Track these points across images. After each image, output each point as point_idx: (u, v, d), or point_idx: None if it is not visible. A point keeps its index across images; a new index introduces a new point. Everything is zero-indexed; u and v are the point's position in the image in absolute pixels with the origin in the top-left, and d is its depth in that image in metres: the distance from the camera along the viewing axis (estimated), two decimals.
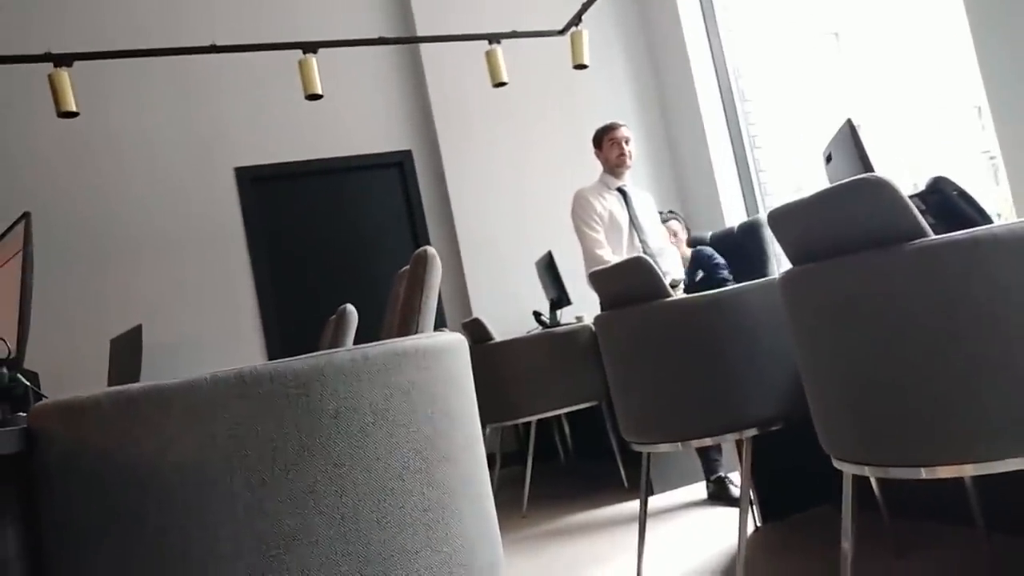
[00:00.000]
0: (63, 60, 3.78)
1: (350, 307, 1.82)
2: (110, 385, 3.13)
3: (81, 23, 4.73)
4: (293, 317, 4.95)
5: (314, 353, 1.10)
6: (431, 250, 1.33)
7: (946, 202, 1.89)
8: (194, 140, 4.92)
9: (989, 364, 1.35)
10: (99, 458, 1.02)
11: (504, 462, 4.47)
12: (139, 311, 4.59)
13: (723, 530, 2.75)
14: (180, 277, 4.78)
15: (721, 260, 3.89)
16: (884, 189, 1.41)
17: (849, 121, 2.09)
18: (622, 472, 3.72)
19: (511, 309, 5.07)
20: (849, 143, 2.03)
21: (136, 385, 1.07)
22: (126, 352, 3.23)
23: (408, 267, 1.33)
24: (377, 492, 1.09)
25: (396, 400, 1.12)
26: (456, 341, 1.31)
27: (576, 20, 4.45)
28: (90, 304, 4.58)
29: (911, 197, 1.91)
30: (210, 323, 4.79)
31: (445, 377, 1.22)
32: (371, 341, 1.22)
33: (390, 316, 1.38)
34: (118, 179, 4.75)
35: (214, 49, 4.06)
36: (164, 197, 4.82)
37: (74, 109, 3.78)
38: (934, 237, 1.40)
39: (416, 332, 1.29)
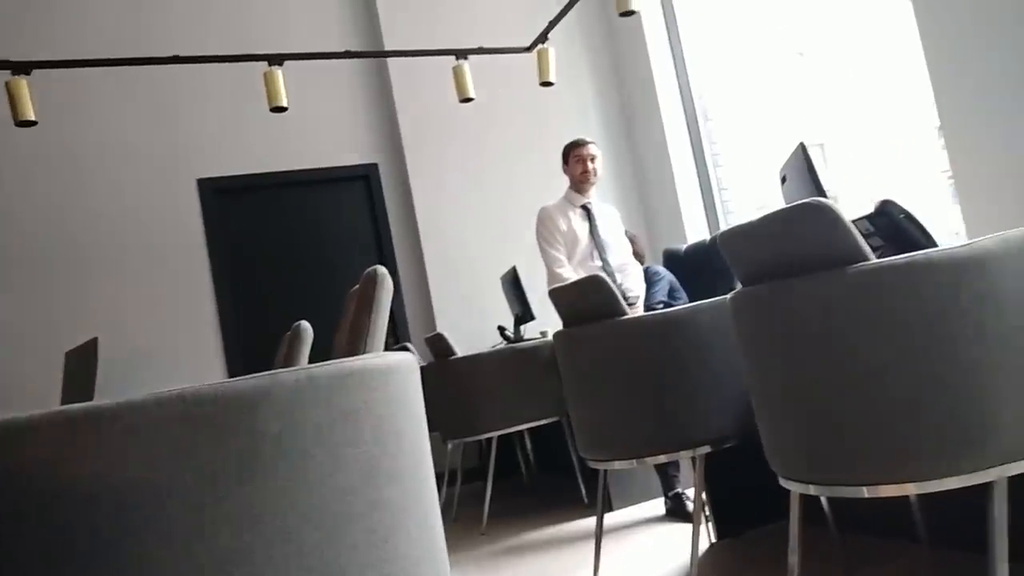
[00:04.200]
0: (21, 68, 3.72)
1: (305, 324, 1.81)
2: (63, 399, 3.07)
3: (41, 31, 4.67)
4: (255, 332, 4.91)
5: (258, 374, 1.09)
6: (382, 269, 1.33)
7: (894, 225, 1.94)
8: (156, 151, 4.87)
9: (927, 385, 1.38)
10: (34, 481, 1.01)
11: (465, 478, 4.46)
12: (97, 324, 4.52)
13: (679, 546, 2.77)
14: (140, 289, 4.71)
15: (663, 284, 3.91)
16: (827, 213, 1.45)
17: (802, 144, 2.14)
18: (582, 488, 3.73)
19: (476, 324, 5.07)
20: (802, 166, 2.08)
21: (75, 405, 1.06)
22: (81, 366, 3.17)
23: (358, 286, 1.34)
24: (320, 514, 1.08)
25: (341, 421, 1.12)
26: (405, 361, 1.31)
27: (542, 38, 4.49)
28: (45, 316, 4.50)
29: (860, 219, 1.96)
30: (170, 337, 4.73)
31: (393, 397, 1.22)
32: (330, 359, 1.22)
33: (339, 336, 1.38)
34: (77, 189, 4.68)
35: (177, 60, 4.03)
36: (125, 208, 4.75)
37: (32, 118, 3.72)
38: (875, 261, 1.44)
39: (365, 352, 1.29)
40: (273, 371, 1.11)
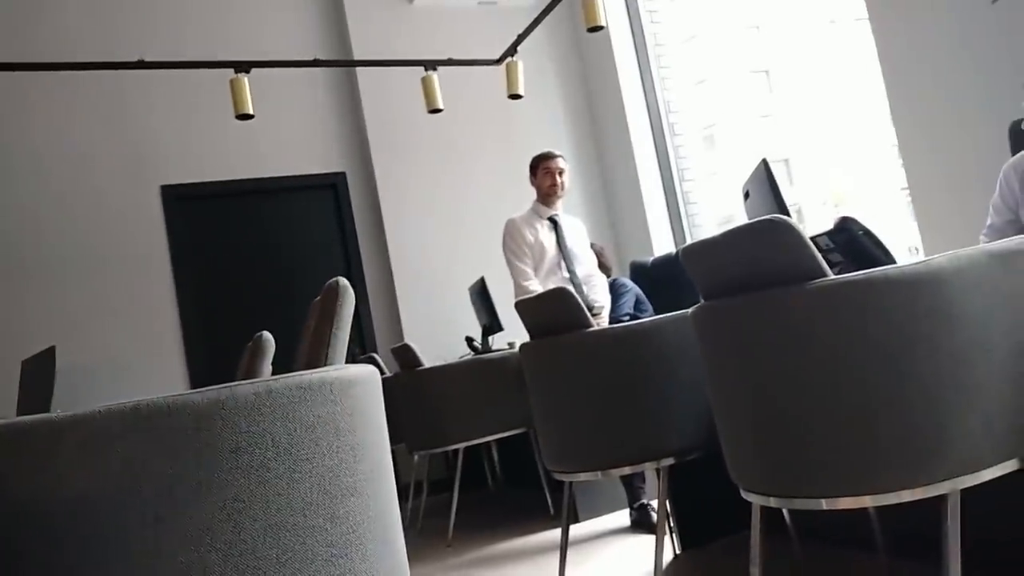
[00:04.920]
0: None
1: (267, 335, 1.79)
2: (19, 410, 3.00)
3: (3, 33, 4.58)
4: (219, 341, 4.84)
5: (216, 386, 1.08)
6: (343, 281, 1.33)
7: (853, 241, 1.98)
8: (119, 156, 4.79)
9: (883, 399, 1.41)
10: None
11: (432, 489, 4.44)
12: (55, 332, 4.42)
13: (643, 557, 2.78)
14: (100, 297, 4.63)
15: (630, 297, 3.94)
16: (786, 231, 1.47)
17: (764, 161, 2.17)
18: (548, 499, 3.73)
19: (444, 334, 5.06)
20: (764, 182, 2.11)
21: (27, 417, 1.04)
22: (38, 375, 3.10)
23: (320, 298, 1.33)
24: (277, 528, 1.07)
25: (300, 434, 1.11)
26: (366, 373, 1.30)
27: (512, 51, 4.51)
28: (1, 323, 4.39)
29: (820, 235, 2.00)
30: (131, 345, 4.64)
31: (353, 410, 1.22)
32: (293, 370, 1.20)
33: (301, 348, 1.37)
34: (37, 195, 4.58)
35: (142, 65, 3.98)
36: (86, 213, 4.67)
37: None
38: (832, 277, 1.46)
39: (325, 364, 1.28)
40: (231, 383, 1.10)
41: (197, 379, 4.74)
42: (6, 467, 1.01)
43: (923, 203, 3.65)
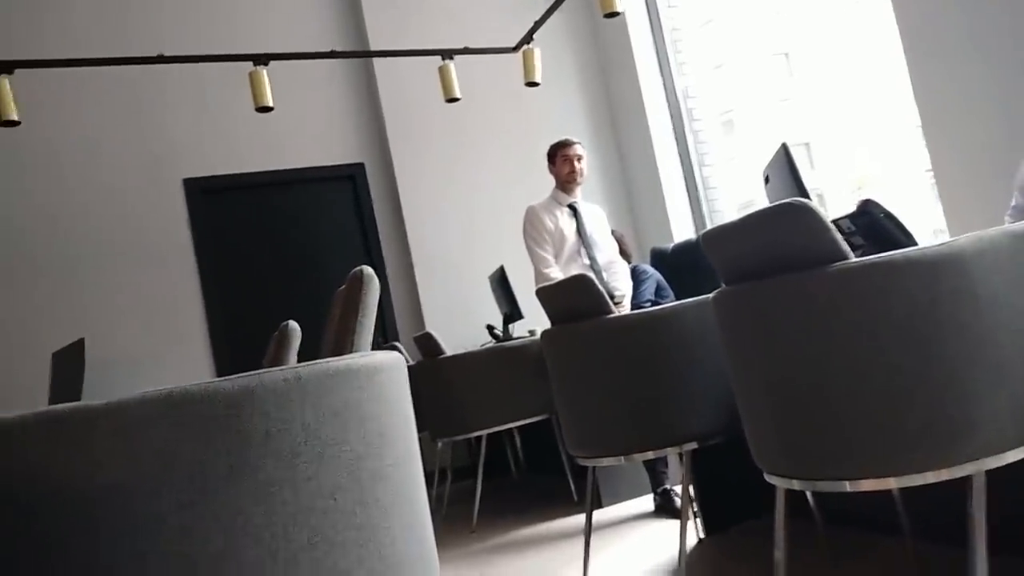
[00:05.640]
0: (4, 67, 3.70)
1: (293, 324, 1.82)
2: (51, 400, 3.06)
3: (25, 30, 4.64)
4: (243, 331, 4.90)
5: (245, 374, 1.10)
6: (367, 269, 1.34)
7: (874, 224, 1.97)
8: (141, 151, 4.85)
9: (907, 381, 1.41)
10: (23, 480, 1.01)
11: (455, 476, 4.47)
12: (83, 324, 4.50)
13: (667, 542, 2.79)
14: (126, 290, 4.69)
15: (651, 283, 3.93)
16: (807, 214, 1.47)
17: (784, 145, 2.16)
18: (571, 485, 3.75)
19: (464, 323, 5.08)
20: (784, 166, 2.10)
21: (62, 406, 1.06)
22: (68, 367, 3.16)
23: (344, 286, 1.35)
24: (307, 512, 1.09)
25: (328, 420, 1.13)
26: (392, 360, 1.32)
27: (528, 38, 4.50)
28: (32, 317, 4.47)
29: (841, 219, 1.99)
30: (157, 337, 4.71)
31: (379, 396, 1.23)
32: (319, 358, 1.22)
33: (327, 336, 1.39)
34: (62, 190, 4.65)
35: (162, 59, 4.02)
36: (110, 208, 4.73)
37: (15, 118, 3.70)
38: (854, 260, 1.46)
39: (351, 351, 1.30)
40: (260, 371, 1.12)
41: (222, 369, 4.80)
42: (43, 454, 1.03)
43: (947, 185, 3.61)
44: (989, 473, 1.41)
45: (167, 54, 4.11)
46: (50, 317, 4.51)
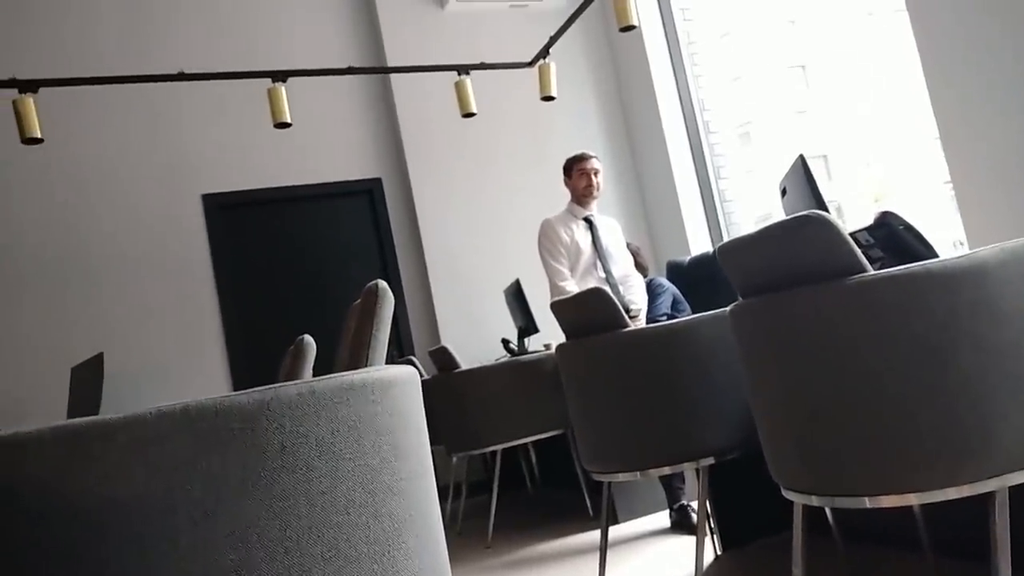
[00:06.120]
0: (29, 86, 3.77)
1: (308, 338, 1.82)
2: (70, 414, 3.09)
3: (47, 49, 4.73)
4: (260, 346, 4.92)
5: (261, 388, 1.10)
6: (382, 283, 1.35)
7: (893, 236, 1.95)
8: (161, 167, 4.91)
9: (927, 395, 1.39)
10: (39, 494, 1.02)
11: (470, 491, 4.46)
12: (102, 339, 4.54)
13: (684, 559, 2.77)
14: (145, 305, 4.74)
15: (667, 297, 3.91)
16: (825, 226, 1.46)
17: (801, 157, 2.15)
18: (587, 501, 3.73)
19: (480, 336, 5.09)
20: (801, 178, 2.09)
21: (80, 419, 1.07)
22: (87, 381, 3.19)
23: (359, 300, 1.35)
24: (322, 526, 1.09)
25: (343, 434, 1.13)
26: (406, 374, 1.32)
27: (544, 53, 4.52)
28: (52, 332, 4.53)
29: (860, 231, 1.97)
30: (175, 351, 4.75)
31: (394, 410, 1.23)
32: (334, 372, 1.23)
33: (341, 350, 1.39)
34: (83, 206, 4.72)
35: (182, 77, 4.08)
36: (129, 224, 4.79)
37: (39, 136, 3.76)
38: (872, 272, 1.45)
39: (366, 365, 1.30)
40: (275, 385, 1.13)
41: (239, 383, 4.83)
42: (61, 467, 1.04)
43: (967, 196, 3.58)
44: (1012, 488, 1.39)
45: (187, 71, 4.17)
46: (71, 331, 4.56)
